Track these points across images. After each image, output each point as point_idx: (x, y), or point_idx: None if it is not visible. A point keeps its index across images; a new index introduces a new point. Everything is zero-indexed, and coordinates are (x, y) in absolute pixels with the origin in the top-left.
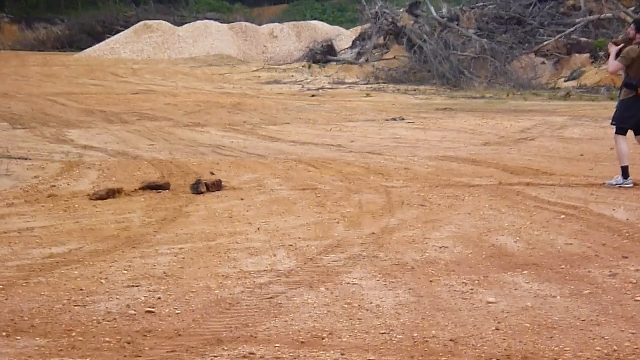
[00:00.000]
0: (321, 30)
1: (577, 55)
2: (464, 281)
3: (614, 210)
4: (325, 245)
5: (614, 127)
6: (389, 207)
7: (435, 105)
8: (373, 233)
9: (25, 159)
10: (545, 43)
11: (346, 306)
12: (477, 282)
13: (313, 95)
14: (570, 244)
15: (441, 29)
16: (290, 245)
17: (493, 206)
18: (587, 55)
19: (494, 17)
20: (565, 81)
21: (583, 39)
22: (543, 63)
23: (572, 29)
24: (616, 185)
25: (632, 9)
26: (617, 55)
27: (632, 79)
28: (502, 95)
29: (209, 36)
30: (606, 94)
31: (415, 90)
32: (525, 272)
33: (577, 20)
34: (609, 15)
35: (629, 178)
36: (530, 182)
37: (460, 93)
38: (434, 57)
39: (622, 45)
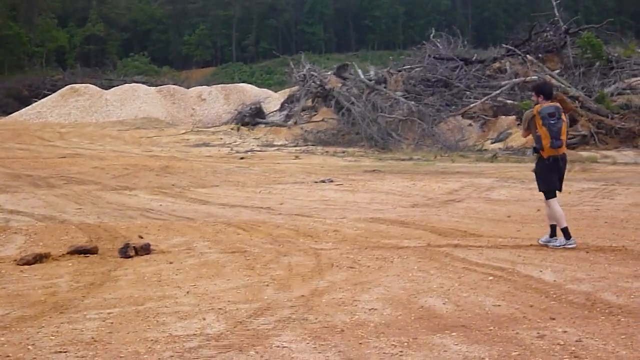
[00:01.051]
0: (249, 92)
1: (503, 117)
2: (393, 343)
3: (540, 271)
4: (254, 308)
5: (543, 193)
6: (318, 269)
7: (363, 166)
8: (302, 295)
9: None
10: (472, 105)
11: None
12: (406, 344)
13: (242, 158)
14: (498, 305)
15: (369, 92)
16: (220, 309)
17: (422, 268)
18: (513, 117)
19: (421, 79)
20: (492, 143)
21: (509, 101)
22: (470, 125)
23: (498, 92)
24: (560, 246)
25: (557, 71)
26: None
27: (535, 143)
28: (430, 156)
29: (136, 99)
30: (532, 155)
31: (343, 152)
32: (454, 333)
33: (503, 83)
34: (534, 77)
35: (571, 238)
36: (458, 243)
37: (388, 155)
38: (362, 119)
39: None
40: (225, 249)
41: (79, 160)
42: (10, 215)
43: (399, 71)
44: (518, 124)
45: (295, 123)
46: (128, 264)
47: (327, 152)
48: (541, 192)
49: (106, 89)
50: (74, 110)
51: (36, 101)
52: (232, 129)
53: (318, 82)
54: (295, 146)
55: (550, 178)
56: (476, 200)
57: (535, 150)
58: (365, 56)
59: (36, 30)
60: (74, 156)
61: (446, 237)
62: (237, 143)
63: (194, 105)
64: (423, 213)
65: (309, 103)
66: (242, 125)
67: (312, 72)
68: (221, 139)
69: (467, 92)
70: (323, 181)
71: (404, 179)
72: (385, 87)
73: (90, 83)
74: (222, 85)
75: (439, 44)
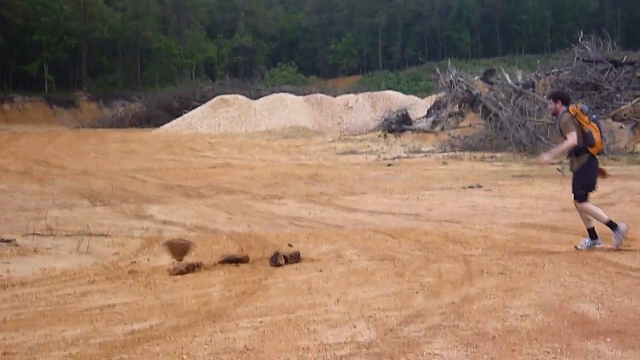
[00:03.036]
0: (396, 99)
1: None
2: (546, 350)
3: None
4: (404, 315)
5: (580, 195)
6: (468, 275)
7: (512, 171)
8: (453, 302)
9: (106, 236)
10: (622, 107)
11: None
12: (559, 350)
13: (389, 165)
14: None
15: (516, 96)
16: (370, 316)
17: (573, 273)
18: None
19: (570, 82)
20: None
21: None
22: (620, 127)
23: None
24: (587, 246)
25: None
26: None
27: (577, 145)
28: None
29: (284, 108)
30: (574, 158)
31: (491, 157)
32: (608, 339)
33: None
34: None
35: (598, 237)
36: (610, 247)
37: (607, 154)
38: (509, 123)
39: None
40: (374, 256)
41: (229, 170)
42: (163, 225)
43: (547, 75)
44: None
45: (442, 129)
46: (278, 273)
47: (475, 157)
48: (578, 194)
49: (255, 99)
50: (224, 120)
51: (186, 112)
52: (379, 136)
53: (465, 88)
54: (442, 152)
55: (595, 176)
56: (628, 203)
57: (580, 151)
58: (512, 60)
59: (186, 43)
60: (224, 166)
61: None
62: (384, 150)
63: (340, 114)
64: (574, 217)
65: (456, 109)
66: (389, 132)
67: (458, 78)
68: (368, 146)
69: (617, 95)
70: (471, 187)
71: (554, 184)
72: (533, 91)
73: (239, 93)
74: (369, 92)
75: (587, 47)
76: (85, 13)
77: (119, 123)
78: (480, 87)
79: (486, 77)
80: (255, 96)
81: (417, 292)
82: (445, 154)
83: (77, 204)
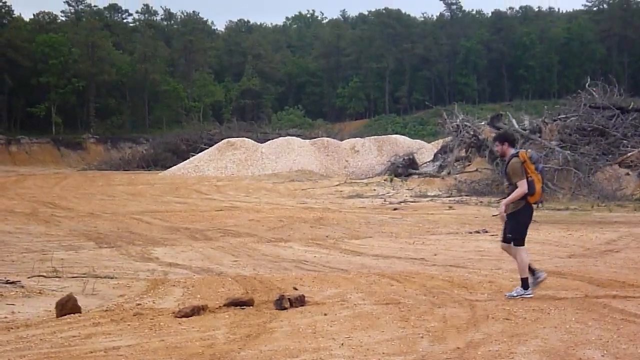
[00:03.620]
0: (402, 143)
1: None
2: None
3: None
4: None
5: (514, 242)
6: (474, 320)
7: None
8: (458, 347)
9: (111, 278)
10: (629, 154)
11: None
12: None
13: (395, 209)
14: None
15: (523, 141)
16: None
17: (579, 319)
18: None
19: (577, 128)
20: None
21: None
22: (627, 174)
23: None
24: (517, 296)
25: None
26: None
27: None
28: (587, 206)
29: (291, 152)
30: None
31: (498, 202)
32: None
33: None
34: None
35: (529, 289)
36: (616, 294)
37: (544, 205)
38: None
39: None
40: (379, 301)
41: (235, 213)
42: (168, 267)
43: (554, 120)
44: None
45: (449, 173)
46: (283, 316)
47: (481, 202)
48: (517, 239)
49: (261, 143)
50: (230, 163)
51: (194, 155)
52: (385, 180)
53: (472, 132)
54: (448, 196)
55: (528, 224)
56: (635, 250)
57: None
58: (519, 106)
59: (193, 86)
60: (231, 209)
61: (604, 288)
62: (390, 194)
63: (347, 157)
64: (580, 263)
65: (463, 153)
66: (395, 176)
67: (465, 123)
68: (374, 190)
69: (624, 141)
70: (477, 232)
71: (560, 229)
72: (540, 137)
73: (246, 137)
74: (375, 136)
75: (594, 93)
76: (94, 56)
77: (126, 165)
78: (487, 132)
79: (493, 122)
80: (262, 139)
81: (422, 337)
82: (452, 198)
83: (83, 245)
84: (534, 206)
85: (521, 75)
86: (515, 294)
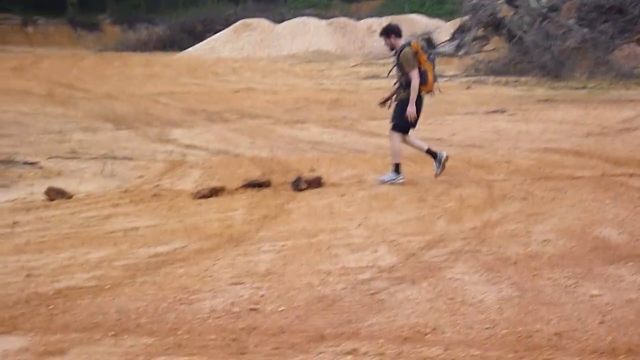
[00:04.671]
0: (420, 23)
1: None
2: (568, 274)
3: None
4: (426, 240)
5: (396, 128)
6: (491, 200)
7: (536, 96)
8: (475, 227)
9: (129, 159)
10: None
11: (449, 301)
12: (580, 275)
13: None
14: None
15: (541, 20)
16: (392, 241)
17: (596, 198)
18: None
19: (594, 6)
20: None
21: None
22: None
23: None
24: (388, 181)
25: None
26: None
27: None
28: (604, 85)
29: (307, 33)
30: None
31: (515, 82)
32: (629, 264)
33: None
34: None
35: (401, 174)
36: (633, 172)
37: (561, 84)
38: (534, 47)
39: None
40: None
41: (252, 94)
42: (186, 149)
43: None
44: None
45: (466, 53)
46: (300, 197)
47: (498, 82)
48: (400, 126)
49: (278, 23)
50: (246, 45)
51: (210, 36)
52: None
53: (489, 11)
54: (466, 76)
55: (419, 113)
56: None
57: (408, 84)
58: None
59: None
60: (247, 90)
61: (621, 167)
62: None
63: (364, 38)
64: (597, 142)
65: (480, 32)
66: None
67: (483, 1)
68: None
69: None
70: (495, 111)
71: (577, 108)
72: (557, 15)
73: (262, 17)
74: (392, 16)
75: None
76: None
77: (143, 46)
78: (505, 11)
79: (511, 1)
80: (278, 20)
81: (439, 217)
82: (469, 78)
83: (101, 127)
84: (428, 95)
85: None
86: (386, 179)
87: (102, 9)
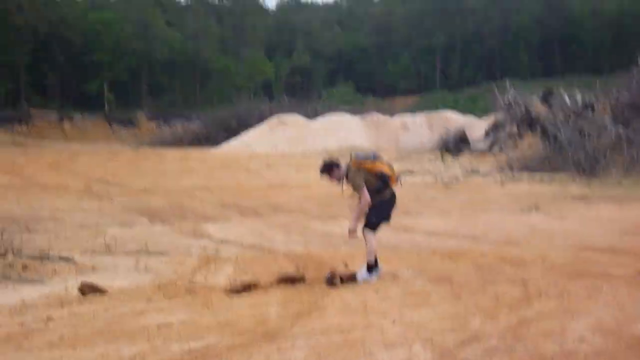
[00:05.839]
0: (453, 119)
1: None
2: None
3: None
4: (461, 337)
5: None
6: (526, 297)
7: (571, 193)
8: (510, 324)
9: (164, 254)
10: None
11: None
12: None
13: (446, 185)
14: None
15: (575, 117)
16: (426, 338)
17: (632, 295)
18: None
19: (629, 105)
20: None
21: None
22: None
23: None
24: (362, 281)
25: None
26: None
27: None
28: (639, 182)
29: (341, 128)
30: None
31: (550, 179)
32: None
33: None
34: None
35: (375, 272)
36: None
37: (596, 181)
38: (568, 145)
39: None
40: (431, 278)
41: (286, 189)
42: (220, 244)
43: (607, 96)
44: None
45: (501, 150)
46: (334, 293)
47: (533, 178)
48: (372, 223)
49: (312, 119)
50: (281, 140)
51: (244, 132)
52: (436, 156)
53: (523, 109)
54: (500, 173)
55: (392, 209)
56: None
57: (379, 190)
58: (571, 81)
59: (244, 63)
60: (281, 185)
61: None
62: (441, 171)
63: (397, 134)
64: (633, 240)
65: (514, 129)
66: (446, 152)
67: (517, 99)
68: (425, 166)
69: None
70: (529, 208)
71: (612, 206)
72: (592, 113)
73: (296, 113)
74: (426, 112)
75: None
76: (146, 33)
77: (178, 142)
78: (538, 108)
79: (545, 98)
80: (312, 116)
81: (474, 315)
82: (503, 175)
83: (136, 221)
84: (399, 184)
85: (573, 51)
86: (360, 279)
87: (138, 105)
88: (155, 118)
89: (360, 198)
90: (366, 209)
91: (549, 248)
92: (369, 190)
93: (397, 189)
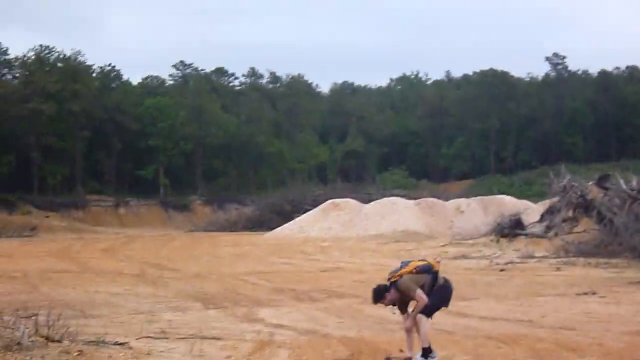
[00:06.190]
0: (508, 203)
1: None
2: None
3: None
4: None
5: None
6: None
7: (627, 278)
8: None
9: (218, 339)
10: None
11: None
12: None
13: (502, 270)
14: None
15: (631, 202)
16: None
17: None
18: None
19: None
20: None
21: None
22: None
23: None
24: None
25: None
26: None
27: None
28: None
29: (395, 212)
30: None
31: (606, 264)
32: None
33: None
34: None
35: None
36: None
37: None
38: (624, 229)
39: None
40: None
41: (340, 273)
42: (274, 329)
43: None
44: None
45: (556, 234)
46: None
47: (589, 263)
48: (429, 310)
49: (366, 203)
50: (335, 224)
51: (298, 216)
52: (491, 240)
53: (579, 193)
54: (556, 258)
55: (450, 294)
56: None
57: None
58: (626, 165)
59: (298, 147)
60: (335, 270)
61: None
62: (496, 255)
63: (452, 218)
64: None
65: (570, 214)
66: (502, 237)
67: (572, 183)
68: (480, 250)
69: None
70: (586, 293)
71: None
72: None
73: (350, 197)
74: (480, 197)
75: None
76: (201, 118)
77: (232, 226)
78: (594, 192)
79: (600, 183)
80: (366, 200)
81: None
82: (559, 259)
83: (190, 306)
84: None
85: (628, 135)
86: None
87: (193, 189)
88: (209, 203)
89: (418, 300)
90: (424, 305)
91: (606, 333)
92: (422, 289)
93: (451, 274)
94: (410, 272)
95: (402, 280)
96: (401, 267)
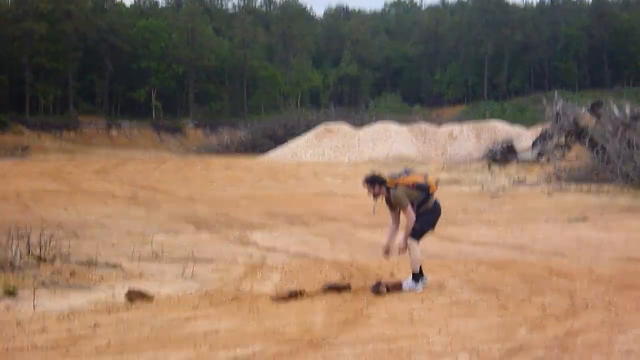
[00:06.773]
0: (501, 130)
1: None
2: None
3: None
4: (507, 348)
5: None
6: (573, 309)
7: (618, 205)
8: (557, 336)
9: (210, 262)
10: None
11: None
12: None
13: (493, 196)
14: None
15: (624, 128)
16: (472, 348)
17: None
18: None
19: None
20: None
21: None
22: None
23: None
24: (409, 289)
25: None
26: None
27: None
28: None
29: (388, 138)
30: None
31: (597, 190)
32: None
33: None
34: None
35: (421, 281)
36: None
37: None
38: (617, 156)
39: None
40: (477, 288)
41: (332, 198)
42: (266, 252)
43: None
44: None
45: (548, 160)
46: (380, 302)
47: (580, 190)
48: (416, 231)
49: (359, 128)
50: (328, 149)
51: (291, 140)
52: (483, 166)
53: (571, 119)
54: (547, 184)
55: (438, 217)
56: None
57: (423, 200)
58: (620, 92)
59: (291, 71)
60: (327, 194)
61: None
62: (488, 181)
63: (444, 144)
64: None
65: (562, 140)
66: (494, 162)
67: (565, 110)
68: (472, 176)
69: None
70: (577, 219)
71: None
72: None
73: (343, 122)
74: (473, 122)
75: None
76: (193, 41)
77: (225, 150)
78: (587, 119)
79: (593, 109)
80: (359, 125)
81: (521, 325)
82: (551, 186)
83: (183, 229)
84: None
85: (622, 62)
86: (407, 287)
87: (185, 113)
88: (202, 126)
89: (406, 216)
90: (413, 223)
91: (596, 259)
92: (412, 204)
93: (443, 199)
94: (407, 185)
95: (396, 190)
96: (401, 175)
